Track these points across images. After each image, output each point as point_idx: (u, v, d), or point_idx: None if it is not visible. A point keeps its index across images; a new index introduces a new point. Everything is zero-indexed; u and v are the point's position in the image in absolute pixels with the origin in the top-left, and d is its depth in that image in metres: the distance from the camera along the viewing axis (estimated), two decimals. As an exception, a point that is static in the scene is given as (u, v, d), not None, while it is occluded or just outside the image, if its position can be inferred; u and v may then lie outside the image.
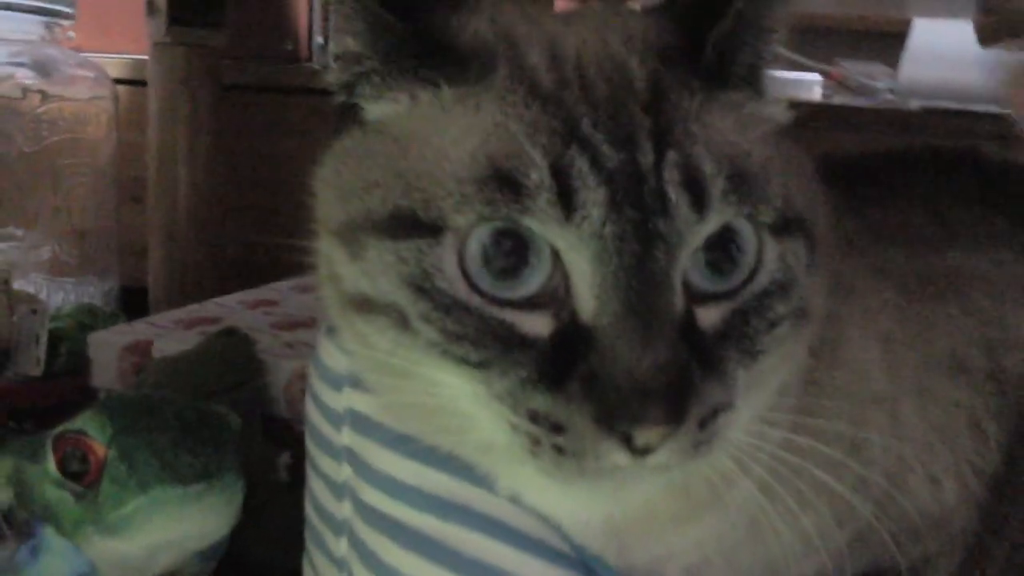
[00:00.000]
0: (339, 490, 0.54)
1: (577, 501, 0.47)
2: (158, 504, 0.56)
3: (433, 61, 0.41)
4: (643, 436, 0.35)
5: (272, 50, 1.62)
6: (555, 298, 0.38)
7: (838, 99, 1.70)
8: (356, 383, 0.52)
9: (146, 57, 1.35)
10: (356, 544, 0.53)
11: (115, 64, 1.56)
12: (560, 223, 0.36)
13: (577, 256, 0.37)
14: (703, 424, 0.37)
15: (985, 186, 0.63)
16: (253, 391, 0.79)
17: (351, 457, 0.53)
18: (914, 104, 1.54)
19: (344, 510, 0.54)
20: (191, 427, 0.59)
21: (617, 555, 0.48)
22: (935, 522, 0.51)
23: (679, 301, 0.37)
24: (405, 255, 0.38)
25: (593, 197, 0.36)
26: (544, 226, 0.37)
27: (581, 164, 0.36)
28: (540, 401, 0.37)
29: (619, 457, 0.36)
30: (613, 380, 0.35)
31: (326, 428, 0.56)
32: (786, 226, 0.40)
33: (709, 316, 0.38)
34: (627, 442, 0.36)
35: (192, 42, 1.32)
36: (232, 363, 0.78)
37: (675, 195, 0.36)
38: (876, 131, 1.41)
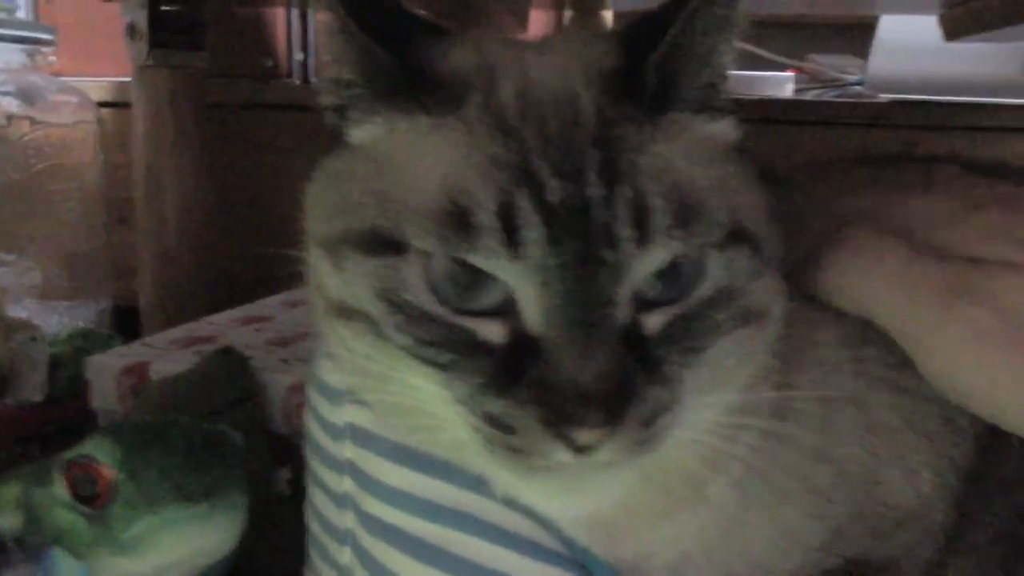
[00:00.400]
0: (341, 501, 0.57)
1: (565, 497, 0.49)
2: (167, 523, 0.58)
3: (414, 90, 0.43)
4: (583, 437, 0.38)
5: (253, 68, 1.64)
6: (509, 310, 0.40)
7: (811, 94, 1.73)
8: (357, 398, 0.55)
9: (128, 79, 1.36)
10: (359, 553, 0.55)
11: (97, 87, 1.57)
12: (504, 259, 0.39)
13: (522, 283, 0.39)
14: (647, 423, 0.39)
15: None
16: (251, 408, 0.81)
17: (353, 469, 0.56)
18: (883, 97, 1.57)
19: (347, 520, 0.56)
20: (197, 447, 0.61)
21: (605, 550, 0.51)
22: (913, 514, 0.53)
23: (624, 314, 0.40)
24: (378, 270, 0.41)
25: (534, 235, 0.38)
26: (489, 262, 0.39)
27: (525, 203, 0.39)
28: (494, 404, 0.40)
29: (563, 456, 0.39)
30: (557, 386, 0.38)
31: (327, 442, 0.58)
32: (729, 238, 0.42)
33: (654, 321, 0.40)
34: (570, 442, 0.38)
35: (175, 64, 1.33)
36: (229, 382, 0.80)
37: (622, 230, 0.39)
38: (847, 124, 1.44)
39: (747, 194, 0.44)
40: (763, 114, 1.40)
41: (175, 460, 0.59)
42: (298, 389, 0.85)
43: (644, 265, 0.40)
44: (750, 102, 1.43)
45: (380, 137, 0.44)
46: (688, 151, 0.42)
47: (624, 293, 0.40)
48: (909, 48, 1.63)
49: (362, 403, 0.55)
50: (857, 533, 0.52)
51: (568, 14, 1.38)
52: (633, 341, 0.40)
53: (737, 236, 0.42)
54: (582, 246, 0.39)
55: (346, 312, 0.43)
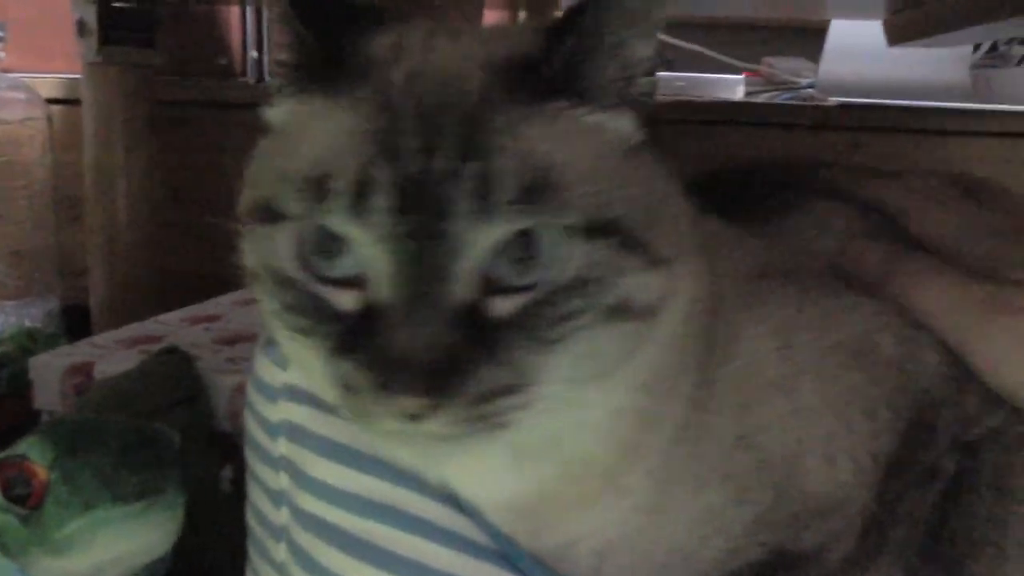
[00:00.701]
0: (277, 498, 0.57)
1: (484, 480, 0.51)
2: (101, 523, 0.58)
3: (323, 73, 0.45)
4: (405, 404, 0.40)
5: (207, 66, 1.63)
6: (364, 280, 0.42)
7: (764, 96, 1.75)
8: (292, 395, 0.56)
9: (80, 76, 1.35)
10: (294, 549, 0.56)
11: (47, 84, 1.55)
12: (354, 224, 0.41)
13: (371, 250, 0.41)
14: (481, 401, 0.40)
15: None
16: (195, 408, 0.81)
17: (288, 466, 0.56)
18: (832, 100, 1.60)
19: (282, 517, 0.57)
20: (132, 447, 0.61)
21: (529, 539, 0.52)
22: (833, 503, 0.54)
23: (464, 291, 0.41)
24: (262, 238, 0.44)
25: (383, 203, 0.40)
26: (343, 226, 0.41)
27: (382, 172, 0.41)
28: (342, 368, 0.42)
29: (396, 422, 0.40)
30: (387, 353, 0.40)
31: (263, 439, 0.59)
32: (595, 229, 0.42)
33: (504, 306, 0.41)
34: (395, 409, 0.40)
35: (125, 61, 1.32)
36: (172, 382, 0.80)
37: (462, 202, 0.40)
38: (794, 126, 1.47)
39: (635, 190, 0.44)
40: (714, 116, 1.43)
41: (108, 460, 0.59)
42: (244, 388, 0.85)
43: (483, 239, 0.40)
44: (701, 104, 1.45)
45: (286, 116, 0.46)
46: (567, 138, 0.43)
47: (465, 268, 0.41)
48: (859, 52, 1.67)
49: (298, 400, 0.55)
50: (778, 520, 0.53)
51: (523, 15, 1.39)
52: (477, 321, 0.41)
53: (604, 229, 0.42)
54: (425, 217, 0.40)
55: (251, 277, 0.46)
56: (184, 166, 1.53)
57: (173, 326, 1.06)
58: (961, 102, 1.66)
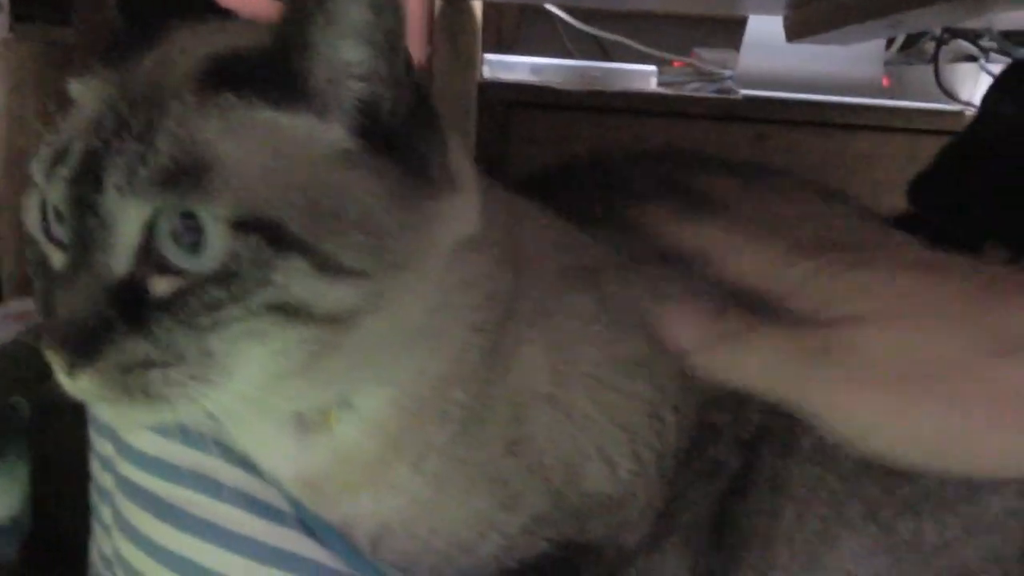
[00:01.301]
0: (105, 463, 0.60)
1: (271, 453, 0.54)
2: (-63, 486, 0.61)
3: (108, 56, 0.49)
4: (54, 361, 0.44)
5: (125, 45, 1.62)
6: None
7: (689, 88, 1.79)
8: None
9: (-4, 53, 1.35)
10: (116, 513, 0.59)
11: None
12: (48, 189, 0.45)
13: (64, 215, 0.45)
14: (125, 370, 0.43)
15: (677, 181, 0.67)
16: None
17: (111, 434, 0.59)
18: (742, 92, 1.63)
19: (107, 482, 0.60)
20: (-26, 415, 0.64)
21: (316, 511, 0.55)
22: (614, 499, 0.57)
23: (121, 265, 0.44)
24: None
25: (64, 172, 0.44)
26: (44, 192, 0.46)
27: (73, 147, 0.45)
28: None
29: (61, 374, 0.45)
30: (50, 312, 0.44)
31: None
32: (243, 224, 0.43)
33: (162, 286, 0.44)
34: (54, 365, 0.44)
35: (40, 39, 1.33)
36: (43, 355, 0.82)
37: (113, 177, 0.43)
38: (702, 118, 1.50)
39: (312, 195, 0.44)
40: (623, 106, 1.46)
41: (-52, 426, 0.62)
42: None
43: (129, 214, 0.43)
44: (611, 94, 1.48)
45: (76, 92, 0.50)
46: (236, 132, 0.44)
47: (118, 242, 0.44)
48: (776, 47, 1.70)
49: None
50: (560, 518, 0.56)
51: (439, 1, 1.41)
52: (138, 296, 0.44)
53: (256, 226, 0.43)
54: (87, 189, 0.44)
55: None
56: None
57: (65, 302, 1.08)
58: (875, 98, 1.70)
